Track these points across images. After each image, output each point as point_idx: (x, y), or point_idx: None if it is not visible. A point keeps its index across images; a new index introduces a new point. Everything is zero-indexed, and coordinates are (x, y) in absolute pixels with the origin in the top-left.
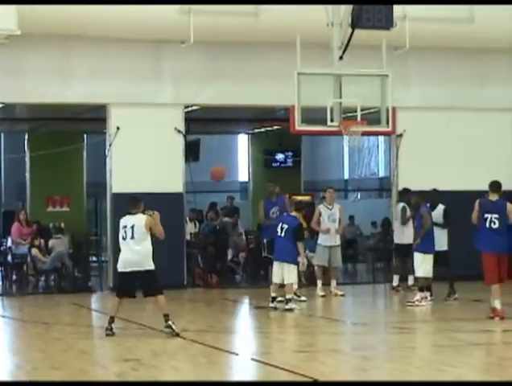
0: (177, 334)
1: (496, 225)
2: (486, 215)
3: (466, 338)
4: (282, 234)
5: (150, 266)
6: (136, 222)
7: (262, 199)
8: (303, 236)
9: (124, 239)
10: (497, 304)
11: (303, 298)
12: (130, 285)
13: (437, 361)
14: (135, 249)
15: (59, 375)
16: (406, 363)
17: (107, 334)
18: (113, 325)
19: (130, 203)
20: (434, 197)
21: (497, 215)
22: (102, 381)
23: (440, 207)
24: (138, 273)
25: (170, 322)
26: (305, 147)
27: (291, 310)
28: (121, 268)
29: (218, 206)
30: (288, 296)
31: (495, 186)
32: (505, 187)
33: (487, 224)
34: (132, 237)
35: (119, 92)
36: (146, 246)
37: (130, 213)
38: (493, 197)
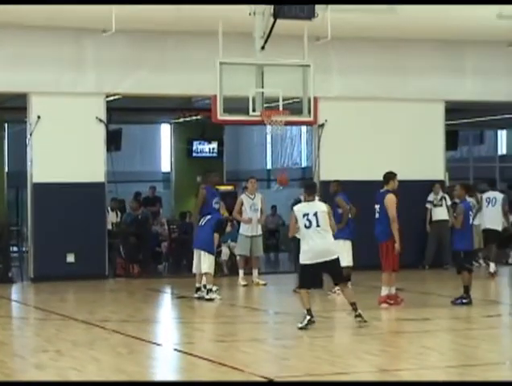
0: (365, 321)
1: (377, 215)
2: (375, 207)
3: (386, 326)
4: (203, 223)
5: (337, 253)
6: (318, 209)
7: (184, 188)
8: (224, 231)
9: (308, 227)
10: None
11: (214, 288)
12: (318, 277)
13: (358, 350)
14: (324, 237)
15: None
16: (328, 351)
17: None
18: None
19: (307, 189)
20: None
21: (379, 205)
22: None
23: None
24: (326, 263)
25: (359, 311)
26: (228, 137)
27: (211, 299)
28: (308, 259)
29: (141, 196)
30: (209, 286)
31: (384, 177)
32: (426, 177)
33: (375, 215)
34: (318, 225)
35: (40, 81)
36: (330, 233)
37: (307, 201)
38: (383, 188)
